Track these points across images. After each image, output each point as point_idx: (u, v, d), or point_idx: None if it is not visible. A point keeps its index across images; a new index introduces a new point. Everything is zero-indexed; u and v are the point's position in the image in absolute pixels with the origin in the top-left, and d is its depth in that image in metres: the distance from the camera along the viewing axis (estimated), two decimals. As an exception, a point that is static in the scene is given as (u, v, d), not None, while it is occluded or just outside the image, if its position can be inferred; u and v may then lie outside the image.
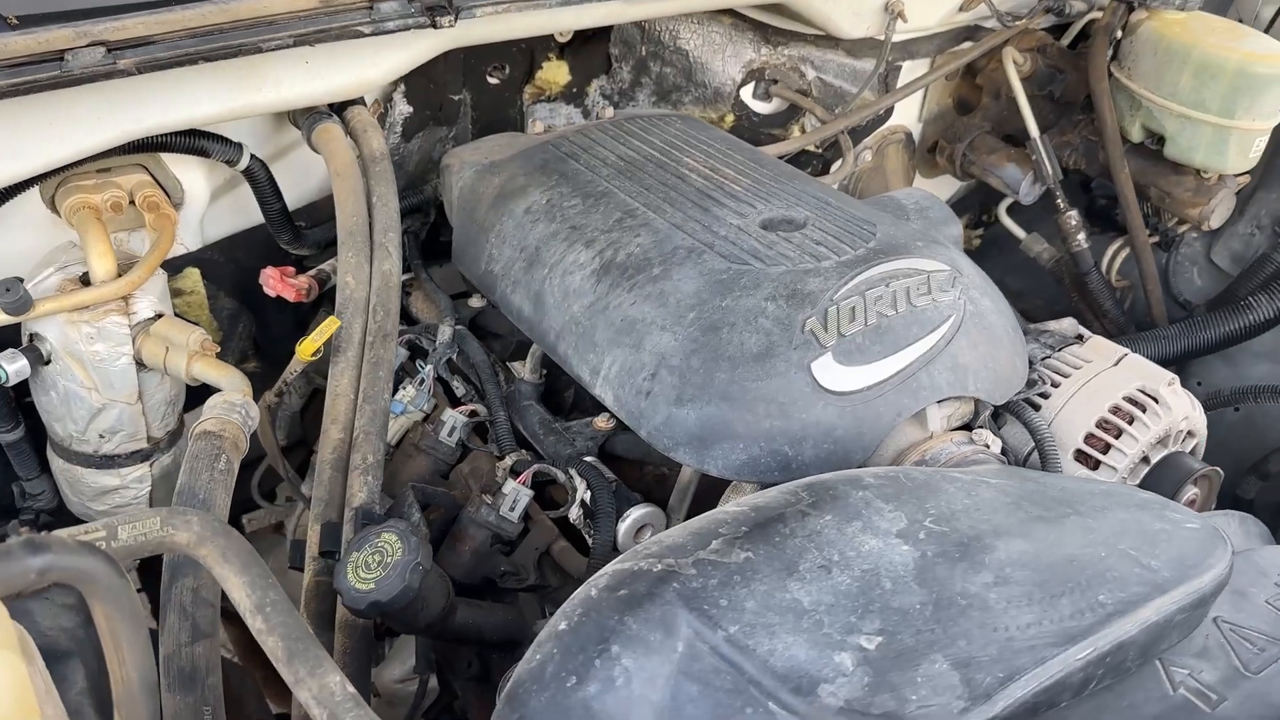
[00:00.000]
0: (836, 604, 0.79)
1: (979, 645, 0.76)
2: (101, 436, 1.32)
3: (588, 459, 1.29)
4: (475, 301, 1.60)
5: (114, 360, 1.26)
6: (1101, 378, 1.25)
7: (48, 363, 1.26)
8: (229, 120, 1.29)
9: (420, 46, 1.36)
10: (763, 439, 1.07)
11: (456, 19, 1.25)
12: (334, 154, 1.39)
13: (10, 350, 1.24)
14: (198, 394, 1.49)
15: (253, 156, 1.39)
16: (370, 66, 1.33)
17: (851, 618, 0.78)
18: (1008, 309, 1.24)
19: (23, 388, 1.32)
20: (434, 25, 1.24)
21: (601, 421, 1.34)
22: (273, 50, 1.15)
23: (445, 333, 1.45)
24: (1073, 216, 1.86)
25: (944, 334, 1.13)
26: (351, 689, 0.73)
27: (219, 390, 1.23)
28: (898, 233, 1.24)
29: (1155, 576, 0.84)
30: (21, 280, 1.18)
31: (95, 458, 1.34)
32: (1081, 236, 1.87)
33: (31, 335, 1.26)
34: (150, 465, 1.38)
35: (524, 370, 1.42)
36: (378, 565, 1.01)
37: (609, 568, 0.85)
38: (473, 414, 1.38)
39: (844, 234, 1.21)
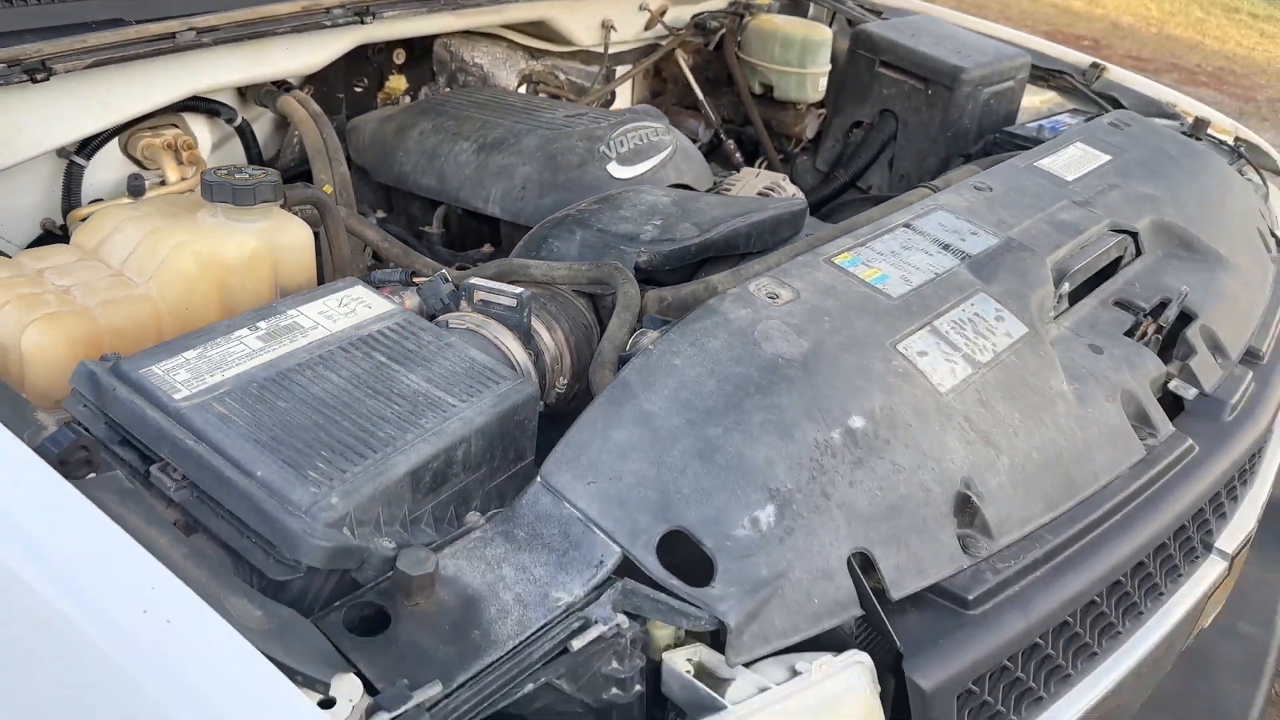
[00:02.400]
0: (646, 213, 1.80)
1: (699, 217, 1.79)
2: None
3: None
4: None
5: (190, 229, 2.06)
6: (752, 181, 2.36)
7: (145, 236, 2.04)
8: (248, 84, 2.15)
9: (344, 40, 2.28)
10: (589, 205, 2.07)
11: (373, 18, 2.19)
12: (295, 112, 2.26)
13: (127, 225, 2.01)
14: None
15: (242, 117, 2.24)
16: (318, 51, 2.24)
17: (643, 213, 1.79)
18: (695, 149, 2.33)
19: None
20: (361, 21, 2.17)
21: (486, 249, 2.28)
22: (283, 35, 2.05)
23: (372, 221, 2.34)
24: (731, 144, 3.02)
25: (670, 151, 2.19)
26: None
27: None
28: (637, 113, 2.30)
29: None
30: (142, 176, 1.98)
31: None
32: (739, 156, 3.03)
33: (134, 218, 2.03)
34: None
35: (433, 229, 2.34)
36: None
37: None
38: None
39: (610, 115, 2.25)
